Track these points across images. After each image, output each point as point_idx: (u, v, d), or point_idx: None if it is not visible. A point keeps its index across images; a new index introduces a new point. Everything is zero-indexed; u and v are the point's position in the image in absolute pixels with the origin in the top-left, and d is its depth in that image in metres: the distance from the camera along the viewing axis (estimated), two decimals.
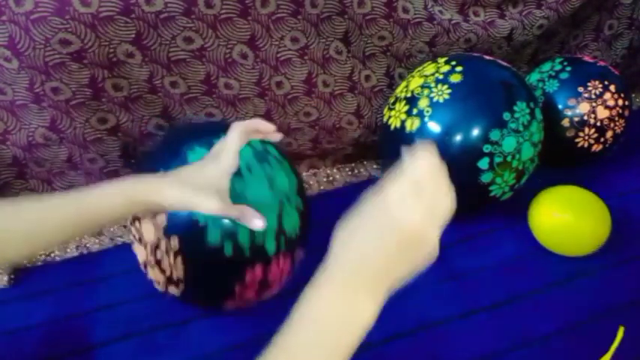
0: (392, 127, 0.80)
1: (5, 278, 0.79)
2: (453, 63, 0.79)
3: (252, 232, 0.58)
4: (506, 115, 0.73)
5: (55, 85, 0.72)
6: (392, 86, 0.95)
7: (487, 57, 0.82)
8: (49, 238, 0.50)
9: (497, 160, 0.73)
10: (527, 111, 0.75)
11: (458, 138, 0.73)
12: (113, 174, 0.86)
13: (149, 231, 0.61)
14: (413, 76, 0.82)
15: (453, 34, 0.90)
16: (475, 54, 0.85)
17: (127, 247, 0.86)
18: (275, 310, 0.79)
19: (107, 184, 0.50)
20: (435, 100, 0.75)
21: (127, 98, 0.78)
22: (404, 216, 0.33)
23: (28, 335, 0.72)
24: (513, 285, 0.76)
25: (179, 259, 0.60)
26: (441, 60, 0.81)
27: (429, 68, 0.80)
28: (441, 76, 0.77)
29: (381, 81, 0.93)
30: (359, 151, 1.01)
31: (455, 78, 0.76)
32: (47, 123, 0.76)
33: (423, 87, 0.78)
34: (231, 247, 0.58)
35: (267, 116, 0.87)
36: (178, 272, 0.61)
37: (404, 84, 0.83)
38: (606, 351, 0.67)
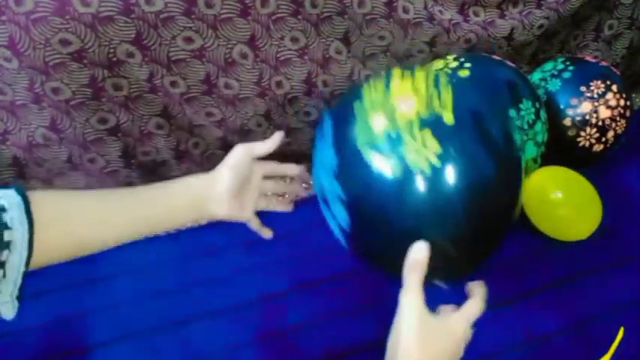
0: None
1: None
2: (462, 60, 0.79)
3: None
4: (512, 112, 0.73)
5: (55, 85, 0.72)
6: None
7: (495, 57, 0.82)
8: (120, 230, 0.50)
9: None
10: (533, 110, 0.75)
11: None
12: (113, 174, 0.86)
13: None
14: None
15: (453, 34, 0.90)
16: (484, 53, 0.85)
17: (126, 247, 0.86)
18: (276, 310, 0.80)
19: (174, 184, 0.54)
20: None
21: (127, 98, 0.78)
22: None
23: (27, 335, 0.72)
24: (513, 285, 0.76)
25: None
26: (450, 57, 0.82)
27: (438, 64, 0.81)
28: (449, 71, 0.77)
29: None
30: None
31: (462, 73, 0.76)
32: (47, 123, 0.76)
33: None
34: None
35: (267, 116, 0.87)
36: None
37: None
38: (606, 351, 0.67)
